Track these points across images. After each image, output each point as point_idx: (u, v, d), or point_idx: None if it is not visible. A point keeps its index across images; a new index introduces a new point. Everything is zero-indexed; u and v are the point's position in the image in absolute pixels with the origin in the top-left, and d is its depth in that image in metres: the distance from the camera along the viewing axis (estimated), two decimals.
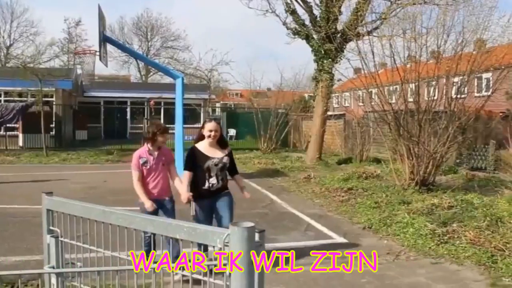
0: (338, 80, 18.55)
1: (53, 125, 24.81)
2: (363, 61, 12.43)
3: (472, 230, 7.39)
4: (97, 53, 14.33)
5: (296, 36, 18.12)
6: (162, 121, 34.83)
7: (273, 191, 12.57)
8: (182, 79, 14.89)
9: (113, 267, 2.68)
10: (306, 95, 39.82)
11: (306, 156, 19.35)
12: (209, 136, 5.76)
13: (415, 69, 11.54)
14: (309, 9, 17.70)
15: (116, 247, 2.88)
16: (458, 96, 11.45)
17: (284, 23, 18.19)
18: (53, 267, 3.04)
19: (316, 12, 17.65)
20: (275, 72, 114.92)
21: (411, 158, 11.13)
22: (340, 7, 16.73)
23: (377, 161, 17.18)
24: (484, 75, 14.28)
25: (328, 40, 16.86)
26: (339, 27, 17.20)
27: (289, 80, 30.48)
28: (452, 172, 14.51)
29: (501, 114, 17.64)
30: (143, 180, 5.82)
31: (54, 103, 25.52)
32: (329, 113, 21.62)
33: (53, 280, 2.96)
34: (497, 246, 6.73)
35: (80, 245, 3.04)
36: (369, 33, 15.74)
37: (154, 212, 5.54)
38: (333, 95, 30.23)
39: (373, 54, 12.16)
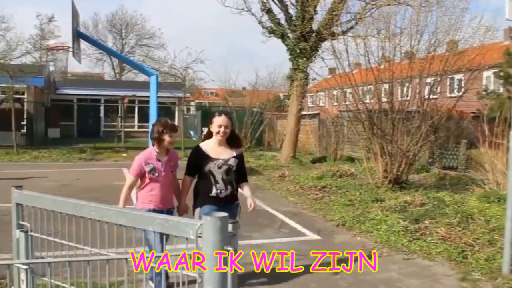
0: (313, 79, 18.61)
1: (24, 122, 24.42)
2: (337, 61, 12.52)
3: (443, 227, 7.50)
4: (70, 49, 14.14)
5: (272, 35, 18.16)
6: (136, 119, 34.74)
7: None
8: (157, 76, 14.77)
9: (84, 257, 2.64)
10: (281, 94, 39.96)
11: (281, 155, 19.42)
12: (218, 133, 4.93)
13: (389, 68, 11.67)
14: (284, 8, 17.75)
15: (89, 243, 2.83)
16: (431, 96, 11.62)
17: (260, 22, 18.21)
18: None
19: (292, 11, 17.73)
20: (250, 71, 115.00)
21: (384, 157, 11.24)
22: (315, 6, 16.81)
23: (351, 160, 17.31)
24: (456, 76, 14.50)
25: (303, 39, 16.94)
26: (315, 26, 17.29)
27: (264, 79, 30.53)
28: (424, 171, 14.71)
29: (472, 114, 17.91)
30: (144, 187, 5.03)
31: (25, 100, 25.11)
32: (303, 112, 21.75)
33: (23, 275, 2.89)
34: (467, 241, 6.86)
35: (51, 239, 2.98)
36: (344, 33, 15.87)
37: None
38: (308, 94, 30.39)
39: (347, 53, 12.26)
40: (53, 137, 28.48)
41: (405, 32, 11.66)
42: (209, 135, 5.07)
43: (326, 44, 16.43)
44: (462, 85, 12.91)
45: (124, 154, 21.35)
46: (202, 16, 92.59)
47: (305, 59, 17.41)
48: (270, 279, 5.73)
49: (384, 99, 11.91)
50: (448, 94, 13.23)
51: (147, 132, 14.52)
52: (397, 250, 7.00)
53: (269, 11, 17.95)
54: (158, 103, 14.48)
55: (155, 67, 35.16)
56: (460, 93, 12.32)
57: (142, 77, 39.44)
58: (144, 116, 29.94)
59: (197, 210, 4.93)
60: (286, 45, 17.92)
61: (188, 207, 5.14)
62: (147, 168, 4.94)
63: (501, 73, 21.31)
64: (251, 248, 6.81)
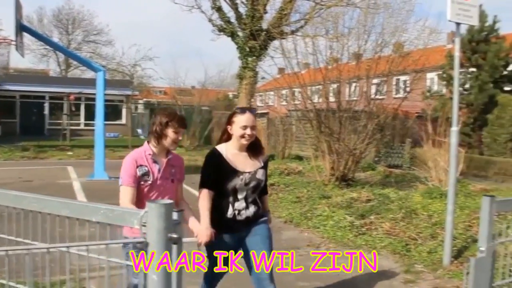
0: (262, 78, 18.67)
1: None
2: (286, 60, 12.63)
3: (388, 222, 7.69)
4: (13, 43, 13.67)
5: (222, 33, 18.09)
6: (82, 117, 33.92)
7: (195, 187, 12.41)
8: (104, 72, 14.48)
9: (23, 246, 2.54)
10: (230, 93, 39.97)
11: None
12: (243, 136, 3.71)
13: (337, 68, 11.87)
14: (234, 6, 17.71)
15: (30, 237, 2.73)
16: (377, 96, 11.89)
17: (210, 20, 18.08)
18: None
19: (242, 9, 17.70)
20: (200, 70, 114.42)
21: (331, 155, 11.39)
22: (265, 5, 16.86)
23: (299, 158, 17.46)
24: (402, 77, 14.88)
25: (252, 37, 16.96)
26: (264, 25, 17.35)
27: (213, 78, 30.48)
28: (370, 169, 15.00)
29: (416, 114, 18.45)
30: (137, 204, 3.51)
31: None
32: None
33: None
34: (411, 235, 7.06)
35: None
36: (293, 32, 16.01)
37: None
38: (257, 93, 30.52)
39: (296, 53, 12.38)
40: None
41: (353, 32, 11.88)
42: (226, 137, 3.86)
43: (275, 43, 16.52)
44: (407, 86, 13.26)
45: (70, 153, 20.84)
46: (151, 13, 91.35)
47: (254, 57, 17.42)
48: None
49: (332, 99, 12.09)
50: (394, 95, 13.57)
51: (94, 130, 14.25)
52: (343, 245, 7.11)
53: (219, 9, 17.87)
54: (105, 100, 14.19)
55: (102, 64, 34.41)
56: (405, 94, 12.66)
57: (89, 74, 38.53)
58: (90, 114, 29.30)
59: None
60: (236, 43, 17.89)
61: (214, 233, 3.57)
62: (138, 172, 3.59)
63: (444, 75, 22.04)
64: (194, 246, 6.74)
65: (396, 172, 14.48)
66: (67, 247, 2.35)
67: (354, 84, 12.28)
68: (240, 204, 3.72)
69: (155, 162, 3.66)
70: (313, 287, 5.40)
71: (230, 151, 3.78)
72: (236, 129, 3.72)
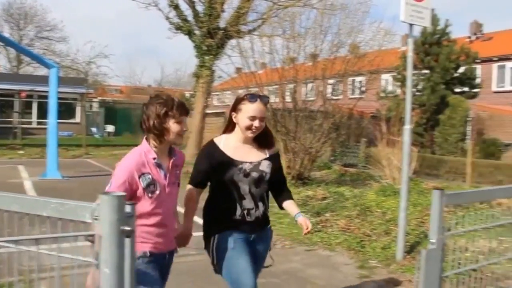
0: (219, 77, 18.64)
1: None
2: (243, 59, 12.65)
3: (343, 219, 7.80)
4: None
5: (179, 31, 17.98)
6: (34, 115, 33.08)
7: None
8: (57, 69, 14.16)
9: None
10: (186, 93, 39.73)
11: (186, 152, 19.24)
12: (249, 128, 3.18)
13: (294, 68, 11.97)
14: (192, 4, 17.63)
15: None
16: (333, 96, 12.06)
17: (167, 18, 17.95)
18: None
19: (200, 8, 17.64)
20: (156, 68, 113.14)
21: (287, 154, 11.47)
22: (223, 4, 16.87)
23: None
24: (357, 78, 15.13)
25: (209, 36, 16.93)
26: (222, 24, 17.34)
27: (170, 76, 30.26)
28: (326, 168, 15.17)
29: (371, 114, 18.77)
30: (139, 219, 2.61)
31: None
32: (209, 111, 21.73)
33: None
34: (365, 232, 7.19)
35: None
36: (250, 31, 16.07)
37: (155, 279, 2.96)
38: (214, 93, 30.44)
39: (253, 52, 12.42)
40: None
41: (310, 32, 12.01)
42: (230, 127, 3.33)
43: (232, 42, 16.56)
44: (363, 86, 13.50)
45: (21, 152, 20.33)
46: (107, 10, 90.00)
47: (211, 56, 17.40)
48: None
49: (288, 99, 12.18)
50: (349, 95, 13.78)
51: (46, 129, 13.89)
52: (299, 242, 7.16)
53: (176, 7, 17.76)
54: (59, 98, 13.87)
55: (56, 60, 33.69)
56: (361, 94, 12.89)
57: (41, 71, 37.60)
58: (43, 112, 28.65)
59: (215, 240, 3.25)
60: (193, 41, 17.82)
61: (191, 233, 3.32)
62: (142, 183, 2.82)
63: (399, 76, 22.54)
64: None
65: (351, 171, 14.70)
66: (16, 241, 2.28)
67: (310, 84, 12.41)
68: (248, 203, 3.22)
69: (159, 167, 2.93)
70: (268, 284, 5.41)
71: (230, 142, 3.28)
72: (242, 118, 3.18)
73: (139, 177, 2.82)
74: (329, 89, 12.36)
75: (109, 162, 17.35)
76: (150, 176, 2.86)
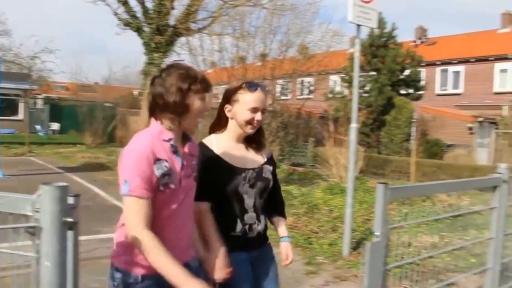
0: None
1: None
2: (193, 57, 12.60)
3: (291, 217, 7.86)
4: None
5: (127, 28, 17.68)
6: None
7: (98, 184, 12.11)
8: None
9: None
10: (135, 91, 39.19)
11: None
12: (250, 122, 2.60)
13: (243, 67, 12.01)
14: (141, 0, 17.38)
15: None
16: (282, 96, 12.17)
17: (116, 14, 17.61)
18: None
19: (149, 4, 17.40)
20: (104, 65, 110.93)
21: None
22: (173, 1, 16.71)
23: None
24: (306, 79, 15.31)
25: (159, 33, 16.74)
26: (171, 21, 17.18)
27: (118, 74, 29.76)
28: None
29: (319, 114, 19.02)
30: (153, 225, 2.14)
31: None
32: None
33: None
34: (312, 229, 7.30)
35: None
36: (200, 29, 15.98)
37: None
38: None
39: (202, 50, 12.39)
40: None
41: (259, 31, 12.08)
42: (220, 123, 2.73)
43: (182, 40, 16.43)
44: (311, 86, 13.67)
45: None
46: (53, 3, 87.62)
47: (160, 53, 17.20)
48: None
49: None
50: (298, 95, 13.93)
51: None
52: None
53: (125, 3, 17.43)
54: (0, 94, 13.43)
55: None
56: (309, 94, 13.06)
57: None
58: None
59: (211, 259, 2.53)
60: (142, 38, 17.55)
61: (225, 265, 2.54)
62: (157, 171, 2.15)
63: (346, 77, 22.92)
64: (100, 243, 6.58)
65: (299, 170, 14.85)
66: None
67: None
68: (250, 217, 2.66)
69: (175, 153, 2.25)
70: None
71: (223, 143, 2.68)
72: (241, 111, 2.60)
73: (153, 160, 2.14)
74: (278, 89, 12.46)
75: (54, 160, 16.92)
76: (166, 164, 2.18)
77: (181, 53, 15.37)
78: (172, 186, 2.20)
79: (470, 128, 23.01)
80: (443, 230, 6.63)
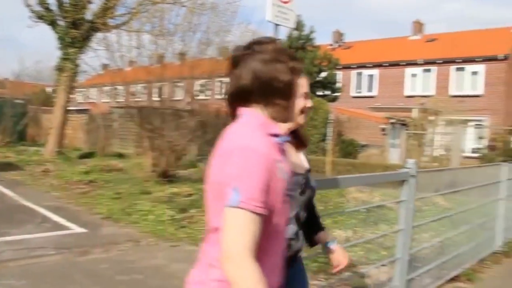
0: (83, 71, 17.87)
1: None
2: (110, 54, 12.26)
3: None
4: None
5: (40, 21, 16.94)
6: None
7: (5, 184, 11.49)
8: None
9: None
10: (48, 88, 37.68)
11: (45, 149, 18.14)
12: (304, 111, 1.98)
13: (162, 66, 11.84)
14: None
15: None
16: (201, 96, 12.12)
17: (28, 5, 16.82)
18: None
19: None
20: (14, 60, 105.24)
21: (153, 151, 11.31)
22: None
23: (121, 155, 17.10)
24: (226, 79, 15.32)
25: (74, 27, 16.19)
26: (89, 15, 16.66)
27: (30, 69, 28.50)
28: (192, 167, 15.17)
29: None
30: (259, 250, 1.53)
31: None
32: (72, 107, 20.77)
33: None
34: None
35: None
36: (118, 25, 15.60)
37: None
38: (80, 89, 29.21)
39: (120, 46, 12.09)
40: None
41: (179, 29, 11.94)
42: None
43: (99, 36, 15.98)
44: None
45: None
46: None
47: (76, 49, 16.65)
48: (29, 274, 5.31)
49: (156, 97, 12.01)
50: (217, 96, 13.90)
51: None
52: (164, 238, 7.08)
53: None
54: None
55: None
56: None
57: None
58: None
59: None
60: (56, 33, 16.89)
61: None
62: (281, 175, 1.64)
63: None
64: (8, 246, 6.26)
65: None
66: None
67: (178, 83, 12.34)
68: (291, 231, 2.05)
69: (283, 153, 1.75)
70: (132, 280, 5.28)
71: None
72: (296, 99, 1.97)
73: (275, 167, 1.61)
74: (197, 88, 12.39)
75: None
76: (283, 166, 1.67)
77: (97, 48, 14.91)
78: (293, 194, 1.77)
79: (383, 129, 23.97)
80: (356, 225, 6.83)
